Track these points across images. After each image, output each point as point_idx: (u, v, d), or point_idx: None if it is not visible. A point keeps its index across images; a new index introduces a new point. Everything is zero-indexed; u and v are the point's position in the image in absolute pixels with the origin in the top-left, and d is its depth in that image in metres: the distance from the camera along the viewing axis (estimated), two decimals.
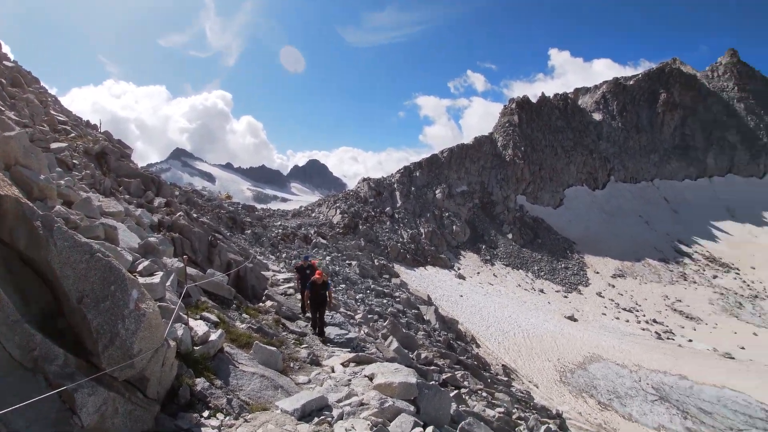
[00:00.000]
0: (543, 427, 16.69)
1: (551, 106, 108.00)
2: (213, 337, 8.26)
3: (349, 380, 9.08)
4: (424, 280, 52.77)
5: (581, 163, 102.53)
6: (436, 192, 77.64)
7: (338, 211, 62.74)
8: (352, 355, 11.37)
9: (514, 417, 16.87)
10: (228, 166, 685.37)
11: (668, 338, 53.66)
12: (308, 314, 14.41)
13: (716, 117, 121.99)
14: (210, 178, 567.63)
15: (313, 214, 63.98)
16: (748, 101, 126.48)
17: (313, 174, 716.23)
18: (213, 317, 9.95)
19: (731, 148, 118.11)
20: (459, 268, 62.63)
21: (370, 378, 8.86)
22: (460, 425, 8.31)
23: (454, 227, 71.34)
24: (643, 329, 55.50)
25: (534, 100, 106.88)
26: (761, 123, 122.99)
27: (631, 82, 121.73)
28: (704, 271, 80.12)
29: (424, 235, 65.78)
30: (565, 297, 62.50)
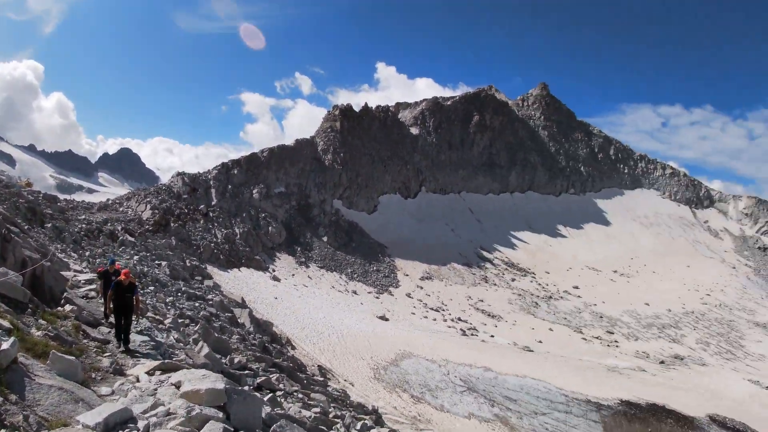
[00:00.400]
0: (359, 423, 17.25)
1: (373, 117, 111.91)
2: (5, 346, 7.41)
3: (155, 389, 8.61)
4: (238, 282, 51.63)
5: (396, 172, 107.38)
6: (254, 192, 76.38)
7: (149, 206, 58.93)
8: (157, 362, 10.85)
9: (331, 416, 17.19)
10: (31, 149, 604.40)
11: (472, 334, 58.00)
12: (111, 320, 13.08)
13: (522, 141, 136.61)
14: (10, 160, 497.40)
15: (121, 209, 59.31)
16: (552, 130, 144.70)
17: (124, 164, 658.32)
18: (5, 323, 8.90)
19: (532, 169, 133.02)
20: (274, 270, 62.19)
21: (177, 386, 8.48)
22: (272, 428, 8.28)
23: (270, 228, 70.64)
24: (450, 327, 59.41)
25: (357, 109, 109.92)
26: (561, 149, 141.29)
27: (449, 103, 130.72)
28: (504, 274, 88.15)
29: (239, 236, 64.31)
30: (377, 298, 64.84)
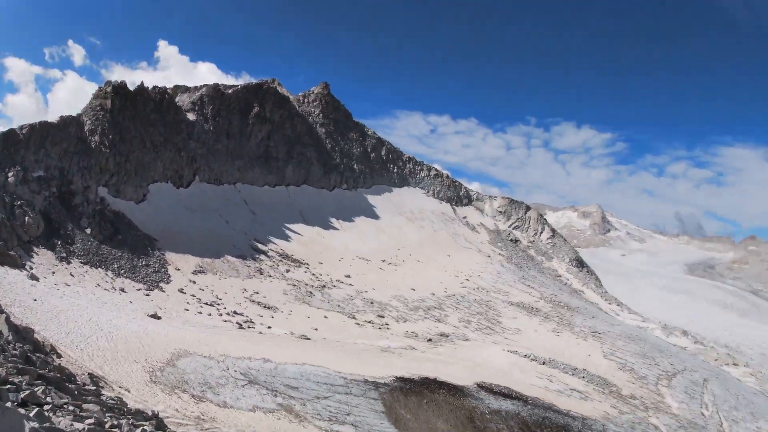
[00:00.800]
0: (138, 430, 17.26)
1: (148, 98, 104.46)
2: None
3: None
4: None
5: (169, 159, 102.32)
6: (9, 175, 67.04)
7: None
8: None
9: (107, 426, 17.00)
10: None
11: (249, 327, 58.23)
12: None
13: (299, 136, 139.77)
14: None
15: None
16: (329, 127, 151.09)
17: None
18: None
19: (308, 164, 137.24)
20: (32, 267, 56.06)
21: None
22: None
23: (26, 219, 63.23)
24: (225, 321, 58.89)
25: (133, 87, 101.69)
26: (336, 146, 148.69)
27: (230, 91, 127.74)
28: (278, 266, 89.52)
29: None
30: (147, 295, 61.95)
